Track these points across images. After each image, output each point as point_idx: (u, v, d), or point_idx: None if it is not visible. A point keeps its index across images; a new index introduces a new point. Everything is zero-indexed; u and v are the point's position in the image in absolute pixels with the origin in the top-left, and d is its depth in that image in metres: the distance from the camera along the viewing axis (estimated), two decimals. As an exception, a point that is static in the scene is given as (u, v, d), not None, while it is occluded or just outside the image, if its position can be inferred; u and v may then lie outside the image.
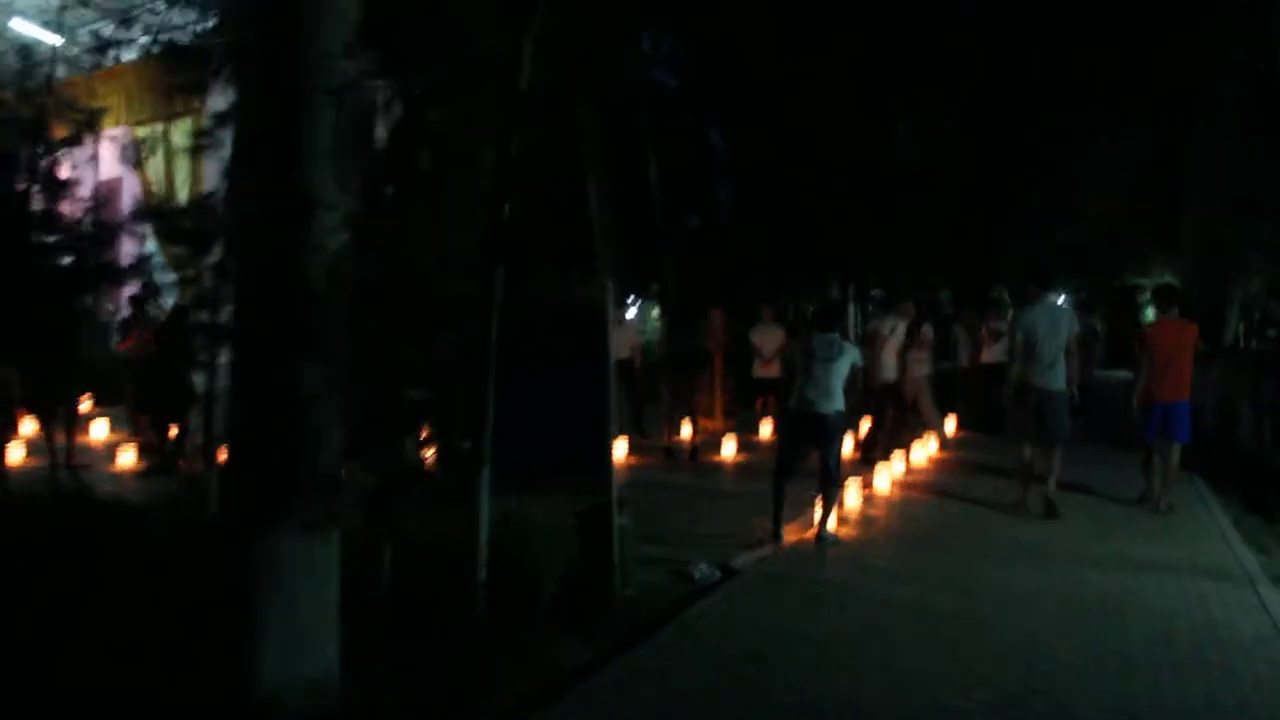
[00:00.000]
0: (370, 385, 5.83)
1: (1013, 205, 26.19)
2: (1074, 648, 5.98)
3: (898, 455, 11.73)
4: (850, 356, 8.36)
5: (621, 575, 6.54)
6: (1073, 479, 11.41)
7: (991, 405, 15.05)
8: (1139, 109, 23.68)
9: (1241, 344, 25.87)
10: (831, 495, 8.43)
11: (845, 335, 13.01)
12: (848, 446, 12.97)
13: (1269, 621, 6.55)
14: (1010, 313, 13.56)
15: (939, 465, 12.69)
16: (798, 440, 8.59)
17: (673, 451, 12.87)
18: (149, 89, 25.19)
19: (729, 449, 12.99)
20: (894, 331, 12.30)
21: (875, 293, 24.97)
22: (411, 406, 6.34)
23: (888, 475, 10.85)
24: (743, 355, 14.95)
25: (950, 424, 15.24)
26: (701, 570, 7.50)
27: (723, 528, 8.88)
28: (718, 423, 15.02)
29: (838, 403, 8.29)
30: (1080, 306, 14.56)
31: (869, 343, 12.66)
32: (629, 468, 12.35)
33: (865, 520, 9.34)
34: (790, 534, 8.53)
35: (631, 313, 29.32)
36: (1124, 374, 31.33)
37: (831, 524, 8.63)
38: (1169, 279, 28.93)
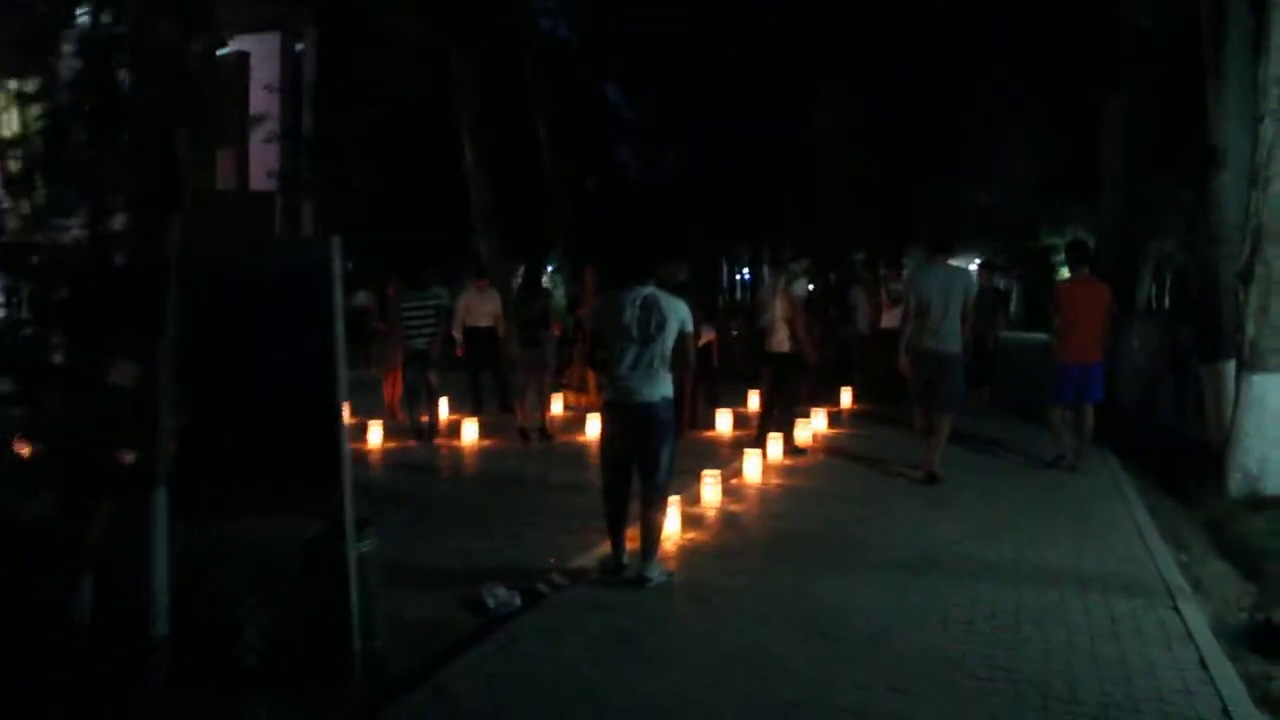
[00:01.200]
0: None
1: (927, 170, 24.86)
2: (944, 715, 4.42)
3: (775, 437, 10.11)
4: (677, 317, 6.07)
5: (363, 621, 4.84)
6: (975, 454, 10.07)
7: (891, 374, 13.67)
8: (1055, 72, 22.38)
9: (1154, 305, 24.77)
10: (654, 522, 6.15)
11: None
12: (726, 423, 11.46)
13: (1193, 657, 5.04)
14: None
15: (828, 445, 11.14)
16: (622, 443, 6.21)
17: (527, 434, 11.20)
18: None
19: (595, 428, 11.32)
20: (786, 292, 10.47)
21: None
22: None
23: (758, 463, 9.22)
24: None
25: (846, 397, 13.72)
26: (498, 596, 5.85)
27: (549, 534, 7.25)
28: (591, 397, 13.36)
29: (665, 386, 6.12)
30: (984, 266, 13.16)
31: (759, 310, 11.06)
32: (478, 450, 10.70)
33: (724, 522, 7.71)
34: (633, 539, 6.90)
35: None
36: (1040, 335, 30.38)
37: (677, 534, 7.02)
38: (1082, 236, 27.81)
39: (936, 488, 8.80)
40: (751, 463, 8.97)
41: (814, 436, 11.18)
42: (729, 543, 7.07)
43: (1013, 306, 46.93)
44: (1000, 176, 26.43)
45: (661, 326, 5.99)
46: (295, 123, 23.93)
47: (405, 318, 11.13)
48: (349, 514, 4.75)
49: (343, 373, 4.73)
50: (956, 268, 9.59)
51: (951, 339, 8.83)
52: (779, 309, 10.26)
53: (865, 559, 6.66)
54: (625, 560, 6.32)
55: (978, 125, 24.01)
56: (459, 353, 12.91)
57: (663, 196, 23.98)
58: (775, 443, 9.92)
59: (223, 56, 24.60)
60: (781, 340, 10.28)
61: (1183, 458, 9.58)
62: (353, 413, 12.24)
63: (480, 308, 12.74)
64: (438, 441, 11.09)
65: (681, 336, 6.09)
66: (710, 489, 7.93)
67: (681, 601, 5.87)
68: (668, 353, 6.05)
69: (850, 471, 9.64)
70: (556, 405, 13.17)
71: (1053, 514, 7.97)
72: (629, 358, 6.03)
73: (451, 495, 8.80)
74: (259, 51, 25.01)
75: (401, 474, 9.74)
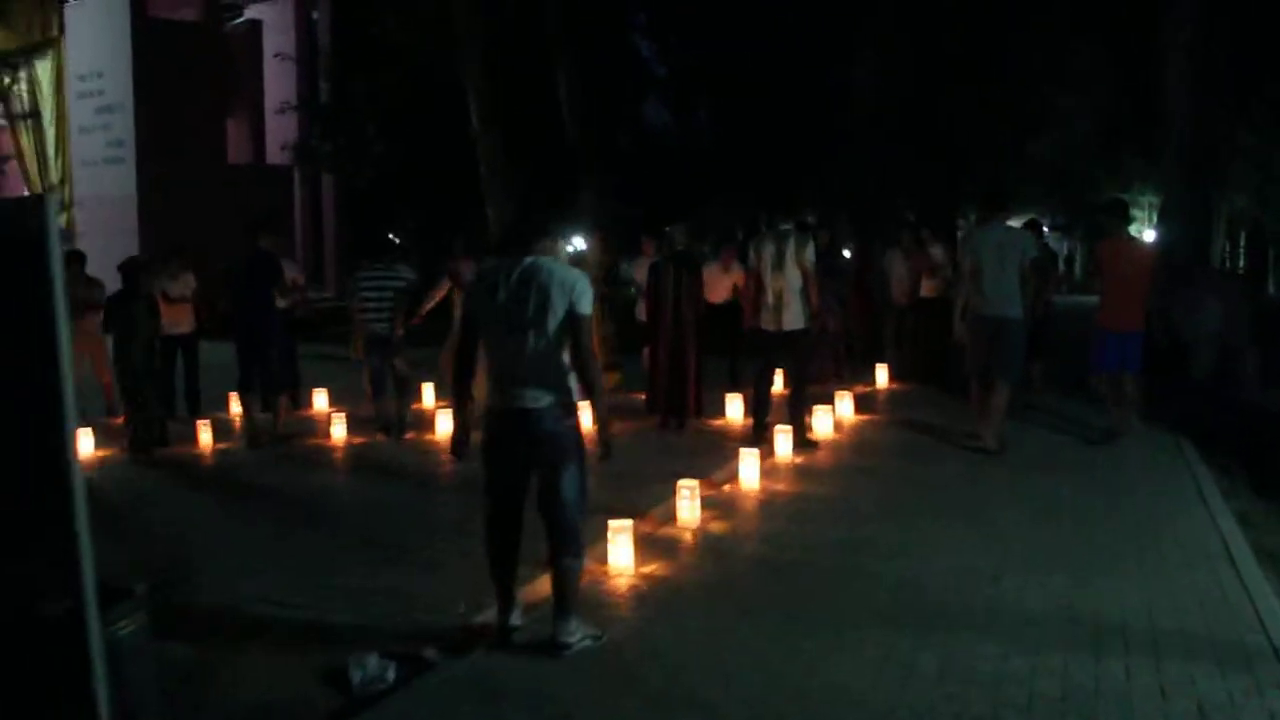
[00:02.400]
0: None
1: (979, 122, 22.75)
2: None
3: (784, 429, 8.43)
4: (564, 294, 4.32)
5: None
6: (1024, 447, 8.40)
7: (932, 348, 11.95)
8: (1114, 9, 20.18)
9: (1227, 263, 22.60)
10: (569, 570, 4.50)
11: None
12: (739, 409, 9.80)
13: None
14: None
15: (853, 434, 9.47)
16: (503, 463, 4.58)
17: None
18: (7, 16, 22.18)
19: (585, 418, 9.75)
20: (777, 263, 8.76)
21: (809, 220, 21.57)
22: None
23: (756, 465, 7.50)
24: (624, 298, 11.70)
25: (880, 375, 11.98)
26: (367, 668, 4.32)
27: (481, 564, 5.69)
28: (614, 378, 11.79)
29: (557, 388, 4.42)
30: (1030, 226, 11.39)
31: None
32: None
33: (698, 550, 6.10)
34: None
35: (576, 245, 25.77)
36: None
37: (630, 569, 5.44)
38: (1149, 195, 25.54)
39: (973, 496, 7.14)
40: (748, 466, 7.32)
41: (837, 425, 9.49)
42: (695, 582, 5.46)
43: (1075, 268, 44.63)
44: (1058, 127, 24.26)
45: (544, 308, 4.35)
46: (311, 93, 22.73)
47: (364, 299, 9.61)
48: (89, 584, 3.23)
49: (69, 386, 3.19)
50: (1012, 228, 9.02)
51: (1009, 303, 8.22)
52: (789, 279, 8.59)
53: (870, 606, 5.02)
54: (516, 619, 4.72)
55: (1032, 69, 21.84)
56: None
57: (696, 156, 22.25)
58: (784, 436, 8.26)
59: (235, 25, 23.49)
60: (794, 317, 8.62)
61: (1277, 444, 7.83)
62: (333, 401, 10.91)
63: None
64: (409, 437, 9.59)
65: (573, 320, 4.36)
66: (686, 504, 6.33)
67: (605, 681, 4.28)
68: (559, 342, 4.41)
69: (873, 471, 7.97)
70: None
71: (1116, 531, 6.24)
72: (507, 350, 4.42)
73: (384, 507, 7.23)
74: (273, 20, 23.87)
75: (340, 478, 8.31)
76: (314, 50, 22.97)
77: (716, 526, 6.37)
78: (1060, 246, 47.93)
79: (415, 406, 10.23)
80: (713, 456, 8.11)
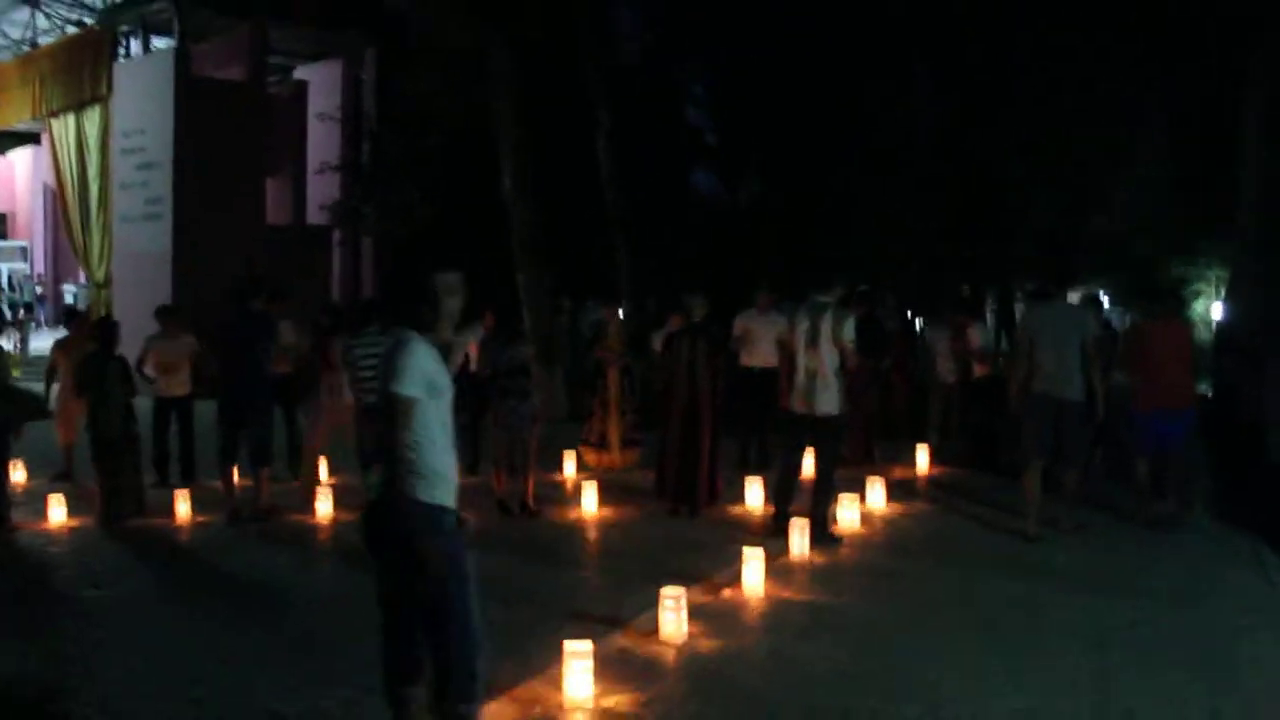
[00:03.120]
0: None
1: (1038, 195, 21.67)
2: None
3: (801, 523, 7.42)
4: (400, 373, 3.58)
5: None
6: (1075, 552, 7.30)
7: (982, 429, 10.91)
8: (1185, 65, 19.06)
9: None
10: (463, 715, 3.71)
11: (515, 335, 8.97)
12: (759, 495, 8.82)
13: None
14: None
15: (885, 526, 8.44)
16: (383, 568, 3.77)
17: (507, 506, 8.78)
18: (62, 71, 22.19)
19: (590, 501, 8.84)
20: (812, 339, 7.86)
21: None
22: None
23: (760, 568, 6.44)
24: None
25: (922, 458, 10.91)
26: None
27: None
28: (614, 456, 10.89)
29: (419, 481, 3.58)
30: (1090, 301, 10.42)
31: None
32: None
33: (674, 679, 5.12)
34: None
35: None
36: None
37: (590, 700, 4.49)
38: (1215, 268, 24.43)
39: (1015, 616, 6.08)
40: (752, 568, 6.32)
41: (866, 517, 8.47)
42: None
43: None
44: (1122, 200, 23.05)
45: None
46: (355, 153, 22.34)
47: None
48: None
49: None
50: (1070, 305, 8.59)
51: (1069, 384, 7.66)
52: (825, 358, 7.67)
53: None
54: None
55: (1093, 138, 20.77)
56: None
57: (741, 224, 21.46)
58: (801, 532, 7.27)
59: (281, 85, 23.26)
60: (829, 399, 7.69)
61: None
62: (333, 469, 10.15)
63: (509, 350, 10.28)
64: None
65: (389, 401, 3.59)
66: (671, 617, 5.36)
67: None
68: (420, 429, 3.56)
69: (901, 575, 6.91)
70: (569, 467, 10.73)
71: (1187, 670, 5.15)
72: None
73: (342, 601, 6.35)
74: (319, 81, 23.60)
75: (307, 564, 7.39)
76: (358, 111, 22.61)
77: (705, 645, 5.39)
78: (1123, 322, 46.30)
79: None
80: (720, 552, 7.14)
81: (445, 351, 3.66)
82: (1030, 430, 7.86)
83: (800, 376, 7.78)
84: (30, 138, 26.90)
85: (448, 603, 3.51)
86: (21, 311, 25.40)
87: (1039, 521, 7.75)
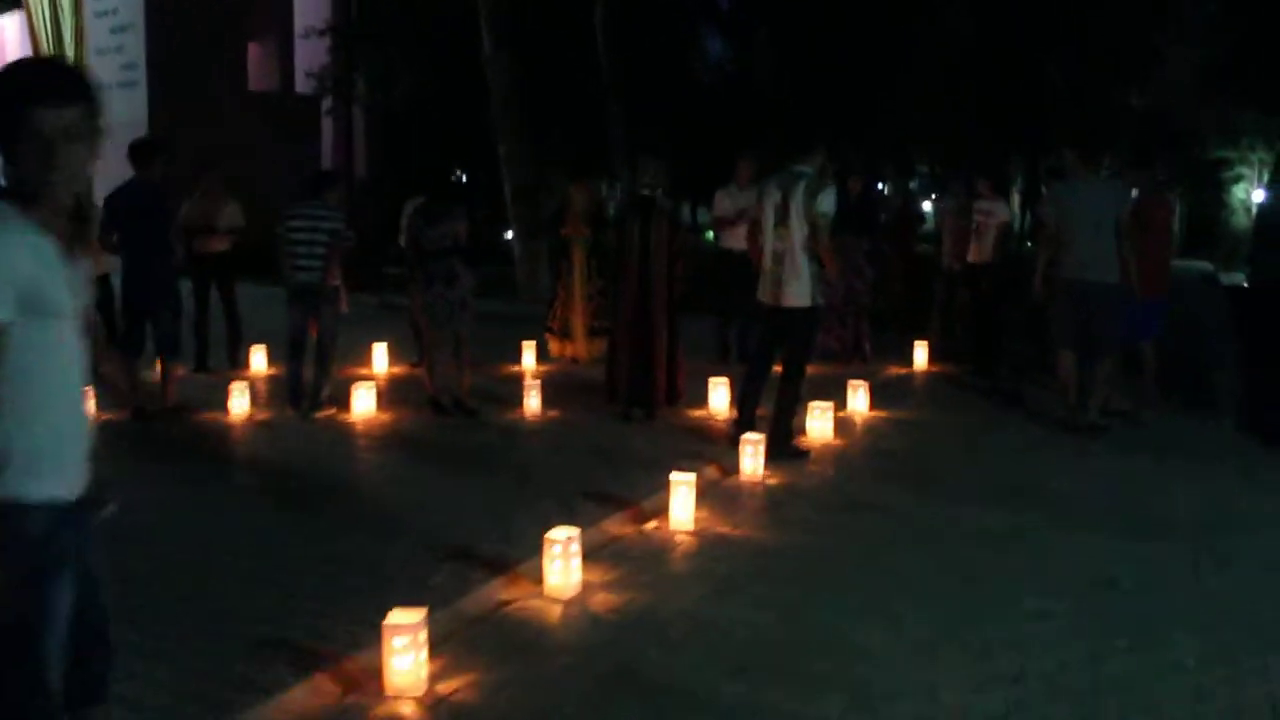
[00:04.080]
0: None
1: (1066, 63, 19.80)
2: None
3: (753, 438, 6.25)
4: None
5: None
6: (1089, 483, 6.10)
7: (980, 326, 9.68)
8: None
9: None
10: None
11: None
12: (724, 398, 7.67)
13: None
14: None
15: (871, 436, 7.28)
16: None
17: (440, 404, 7.68)
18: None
19: (534, 401, 7.71)
20: (781, 216, 6.53)
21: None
22: None
23: (689, 498, 5.24)
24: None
25: (920, 355, 9.68)
26: None
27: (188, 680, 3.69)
28: (578, 346, 9.74)
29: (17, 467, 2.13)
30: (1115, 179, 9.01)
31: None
32: (357, 432, 7.25)
33: (556, 646, 4.03)
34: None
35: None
36: (1203, 264, 25.15)
37: (422, 683, 3.40)
38: (1259, 152, 22.79)
39: (1001, 563, 4.93)
40: (680, 500, 5.15)
41: (844, 425, 7.30)
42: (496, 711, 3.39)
43: (1175, 228, 40.89)
44: (1159, 72, 21.16)
45: None
46: (344, 16, 20.75)
47: (294, 242, 7.63)
48: None
49: None
50: (1108, 181, 7.77)
51: (1106, 267, 7.02)
52: (795, 239, 6.38)
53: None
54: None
55: (1135, 9, 18.83)
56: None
57: (750, 93, 19.81)
58: (753, 449, 6.09)
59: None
60: (797, 290, 6.42)
61: None
62: (273, 359, 9.09)
63: (436, 226, 9.09)
64: (322, 414, 7.66)
65: None
66: (557, 565, 4.23)
67: None
68: None
69: (868, 504, 5.75)
70: (529, 358, 9.61)
71: (1201, 636, 3.99)
72: None
73: (213, 537, 5.29)
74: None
75: (203, 473, 6.31)
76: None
77: (600, 602, 4.27)
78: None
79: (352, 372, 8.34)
80: (663, 469, 5.94)
81: (77, 242, 2.30)
82: (1059, 318, 7.26)
83: (767, 260, 6.53)
84: (17, 2, 25.39)
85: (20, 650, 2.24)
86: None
87: (1079, 406, 7.27)
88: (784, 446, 6.44)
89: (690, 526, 5.12)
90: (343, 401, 7.76)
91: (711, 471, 6.14)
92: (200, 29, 18.19)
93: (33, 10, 20.67)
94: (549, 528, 4.34)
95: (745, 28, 21.00)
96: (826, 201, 6.34)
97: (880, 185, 13.73)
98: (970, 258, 9.52)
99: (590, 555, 4.58)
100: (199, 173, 9.59)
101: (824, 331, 9.72)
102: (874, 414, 7.73)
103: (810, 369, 6.94)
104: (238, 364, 9.44)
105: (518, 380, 8.42)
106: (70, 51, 19.69)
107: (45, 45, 20.38)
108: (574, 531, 4.31)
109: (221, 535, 4.98)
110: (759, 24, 20.64)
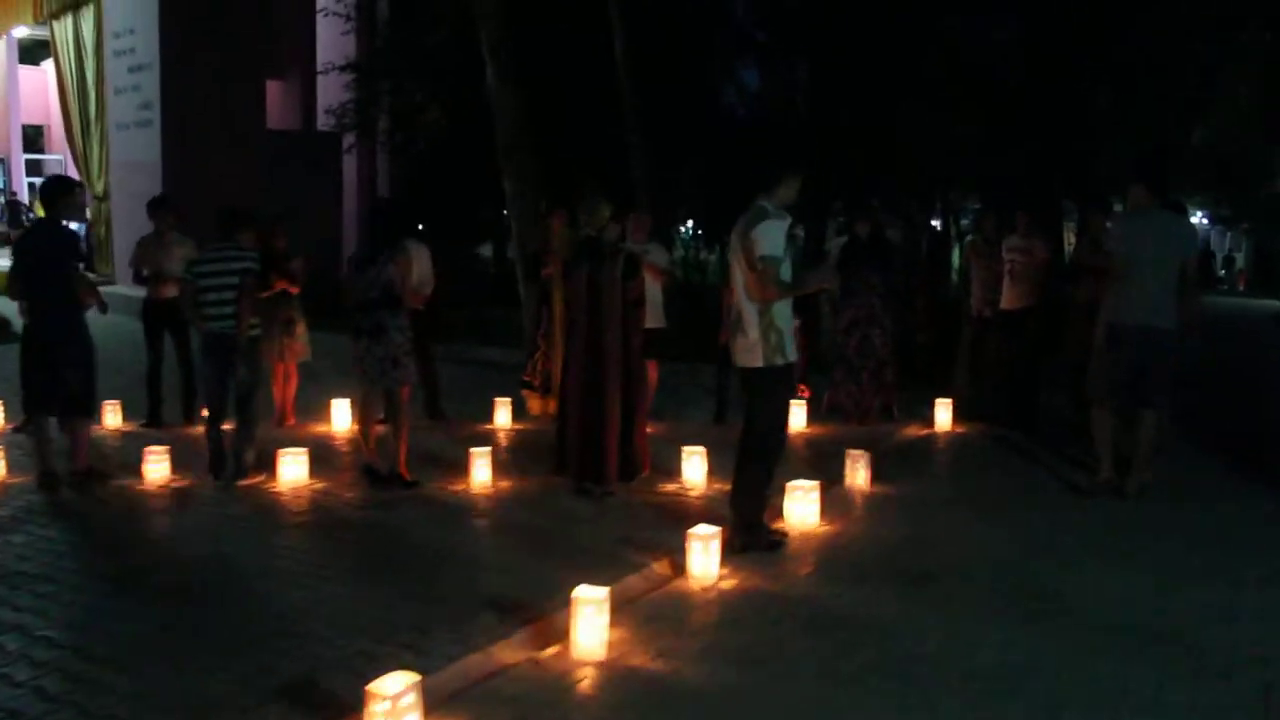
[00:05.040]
0: None
1: (1116, 96, 18.35)
2: None
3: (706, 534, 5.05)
4: None
5: None
6: (1133, 569, 4.83)
7: (1019, 376, 8.46)
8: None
9: None
10: None
11: None
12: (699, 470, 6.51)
13: None
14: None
15: (872, 512, 6.06)
16: None
17: (376, 473, 6.61)
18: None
19: (481, 475, 6.58)
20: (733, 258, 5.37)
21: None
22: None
23: (598, 623, 3.99)
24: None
25: (942, 415, 8.41)
26: None
27: None
28: (548, 402, 8.54)
29: None
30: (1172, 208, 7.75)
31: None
32: (280, 505, 6.20)
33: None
34: None
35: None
36: (1272, 303, 23.37)
37: None
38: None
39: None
40: (588, 622, 3.95)
41: (854, 497, 6.10)
42: None
43: (1240, 266, 38.88)
44: (1222, 106, 19.72)
45: None
46: (365, 53, 20.08)
47: (203, 289, 6.68)
48: None
49: None
50: (1173, 216, 6.73)
51: (1165, 312, 6.26)
52: (738, 285, 5.25)
53: None
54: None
55: (1187, 38, 17.40)
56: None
57: (785, 127, 18.67)
58: (701, 545, 4.90)
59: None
60: (748, 345, 5.23)
61: None
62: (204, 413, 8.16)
63: (363, 274, 7.98)
64: (246, 483, 6.64)
65: None
66: (383, 708, 3.10)
67: None
68: None
69: (840, 623, 4.54)
70: (503, 416, 8.51)
71: None
72: None
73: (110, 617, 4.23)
74: (333, -25, 21.29)
75: (102, 550, 5.26)
76: (372, 9, 20.25)
77: None
78: (1222, 243, 42.21)
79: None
80: (602, 566, 4.83)
81: None
82: (1108, 365, 6.38)
83: (731, 313, 5.39)
84: (47, 50, 25.19)
85: None
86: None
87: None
88: (755, 535, 5.25)
89: (599, 655, 3.94)
90: (271, 467, 6.73)
91: (659, 570, 4.97)
92: (218, 67, 17.54)
93: (60, 56, 20.31)
94: (431, 657, 3.23)
95: (783, 61, 19.92)
96: (766, 240, 5.06)
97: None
98: (1003, 304, 8.28)
99: (455, 698, 3.45)
100: (274, 223, 8.52)
101: (832, 387, 8.57)
102: (876, 489, 6.49)
103: (815, 430, 5.80)
104: (192, 418, 8.48)
105: (487, 441, 7.35)
106: (93, 92, 19.26)
107: (71, 91, 19.99)
108: (409, 681, 3.17)
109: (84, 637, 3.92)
110: (797, 57, 19.58)
